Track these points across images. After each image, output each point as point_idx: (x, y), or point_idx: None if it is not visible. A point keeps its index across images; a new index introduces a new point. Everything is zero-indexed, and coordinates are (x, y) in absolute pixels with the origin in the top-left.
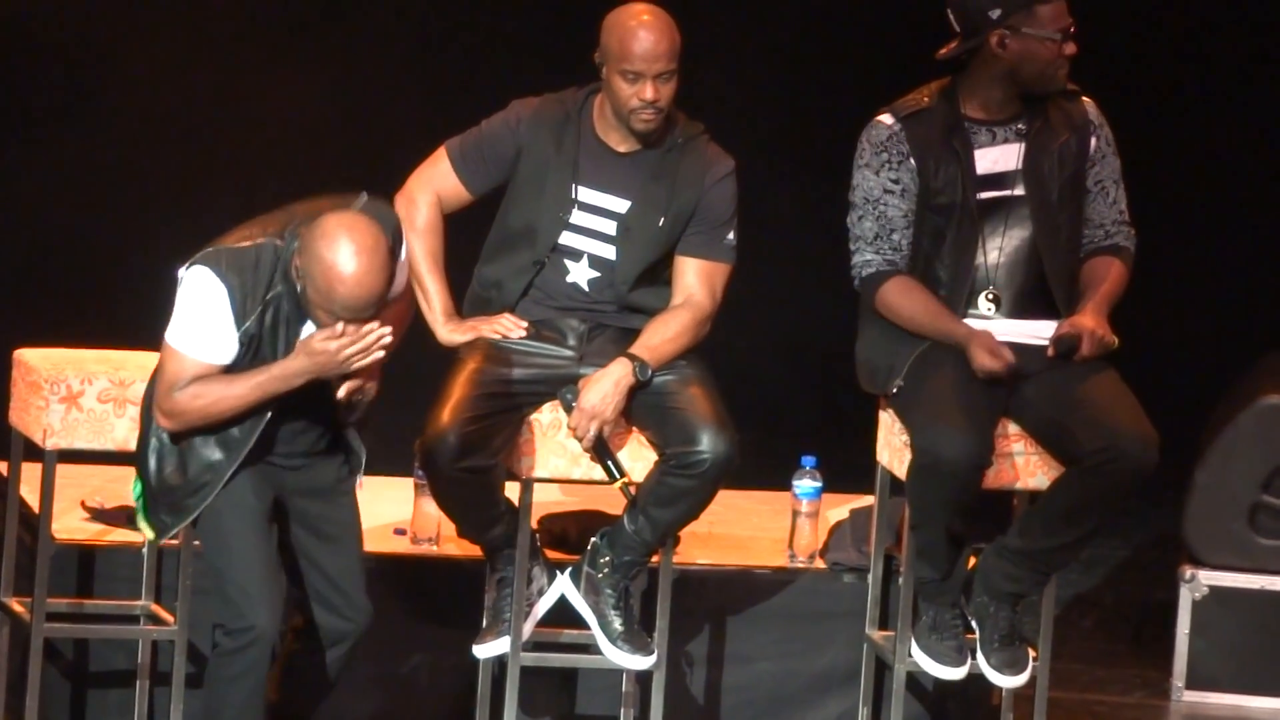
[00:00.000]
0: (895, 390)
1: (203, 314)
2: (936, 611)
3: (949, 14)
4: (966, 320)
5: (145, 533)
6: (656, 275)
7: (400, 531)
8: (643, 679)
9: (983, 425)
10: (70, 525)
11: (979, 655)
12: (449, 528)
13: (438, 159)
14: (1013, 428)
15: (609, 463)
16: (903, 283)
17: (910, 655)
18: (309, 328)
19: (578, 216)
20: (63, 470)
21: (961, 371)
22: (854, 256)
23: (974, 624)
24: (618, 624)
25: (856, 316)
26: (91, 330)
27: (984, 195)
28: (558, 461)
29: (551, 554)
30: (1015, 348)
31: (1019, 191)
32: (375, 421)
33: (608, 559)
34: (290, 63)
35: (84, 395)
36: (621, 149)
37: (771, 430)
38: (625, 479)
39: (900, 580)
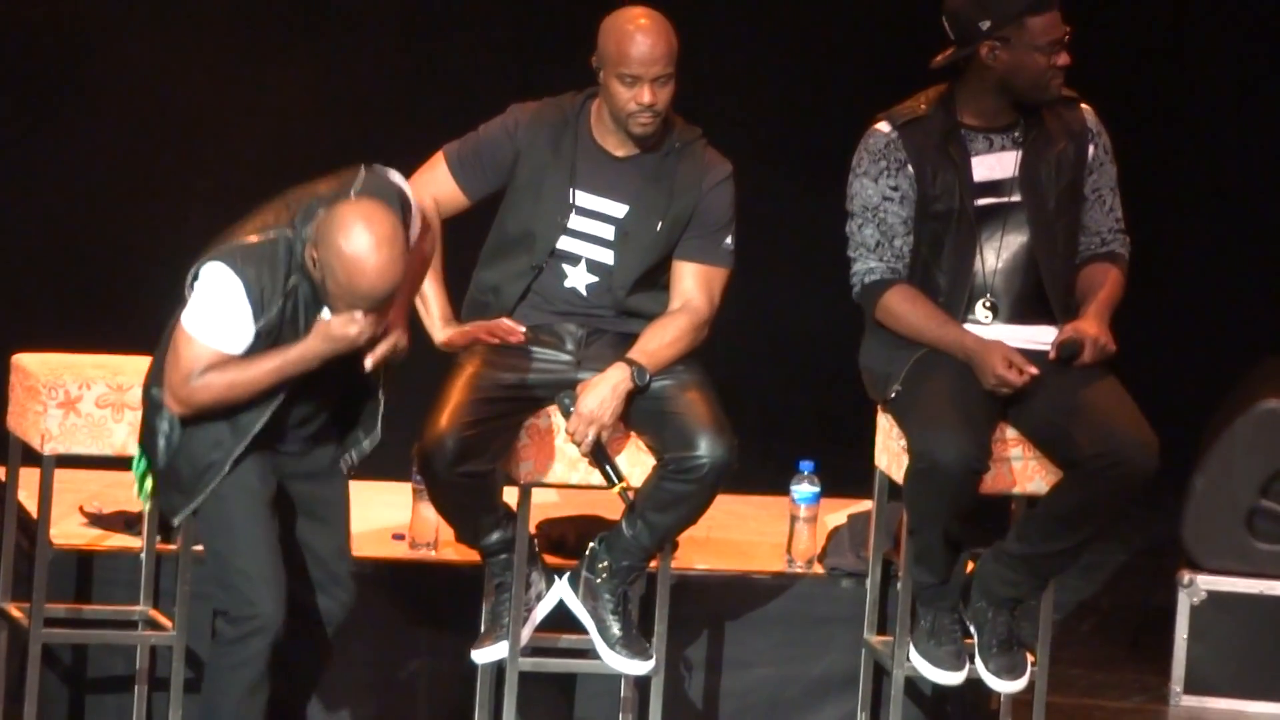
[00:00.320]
0: (893, 395)
1: (221, 305)
2: (935, 616)
3: (944, 22)
4: (965, 327)
5: (142, 503)
6: (654, 280)
7: (398, 536)
8: (641, 684)
9: (980, 430)
10: (68, 530)
11: (977, 660)
12: (447, 533)
13: (435, 164)
14: (1011, 432)
15: (607, 467)
16: (905, 291)
17: (909, 660)
18: (326, 310)
19: (575, 221)
20: (61, 475)
21: (959, 376)
22: (855, 264)
23: (972, 629)
24: (616, 629)
25: (854, 321)
26: (89, 335)
27: (981, 202)
28: (556, 466)
29: (550, 559)
30: None
31: (1016, 198)
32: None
33: (606, 564)
34: (290, 64)
35: (82, 400)
36: (619, 153)
37: (770, 435)
38: (623, 484)
39: (898, 585)
